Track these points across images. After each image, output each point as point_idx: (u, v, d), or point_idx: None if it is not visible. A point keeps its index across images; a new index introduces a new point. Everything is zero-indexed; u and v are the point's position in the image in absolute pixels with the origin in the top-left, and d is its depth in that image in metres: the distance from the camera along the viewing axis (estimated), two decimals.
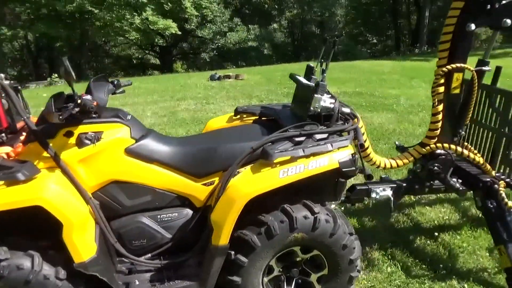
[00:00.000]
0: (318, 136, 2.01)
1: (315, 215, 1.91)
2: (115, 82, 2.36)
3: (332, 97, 2.26)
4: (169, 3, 16.71)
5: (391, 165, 2.59)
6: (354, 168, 1.94)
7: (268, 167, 1.87)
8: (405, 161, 2.60)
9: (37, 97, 9.09)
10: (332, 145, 1.93)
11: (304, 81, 2.35)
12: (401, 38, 30.73)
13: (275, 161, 1.85)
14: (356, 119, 2.23)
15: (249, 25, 25.80)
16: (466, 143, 2.92)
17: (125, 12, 15.11)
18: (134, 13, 15.48)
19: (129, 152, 2.01)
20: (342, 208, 3.35)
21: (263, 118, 2.53)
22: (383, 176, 2.85)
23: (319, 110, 2.12)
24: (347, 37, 30.22)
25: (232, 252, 1.90)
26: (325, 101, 2.15)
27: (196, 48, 27.40)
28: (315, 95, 2.11)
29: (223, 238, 1.85)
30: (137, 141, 2.04)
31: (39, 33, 15.01)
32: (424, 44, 23.03)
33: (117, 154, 2.00)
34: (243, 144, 2.07)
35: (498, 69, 2.91)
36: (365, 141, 2.48)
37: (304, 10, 29.04)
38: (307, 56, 28.55)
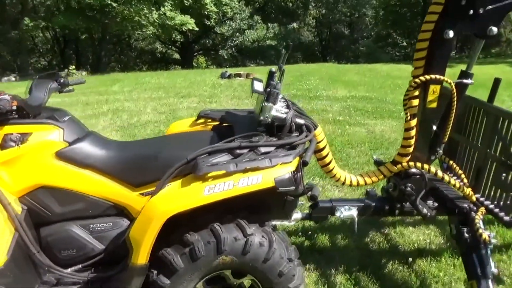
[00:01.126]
0: (263, 149, 1.82)
1: (247, 237, 1.73)
2: (61, 81, 2.24)
3: (287, 106, 2.08)
4: None
5: (358, 182, 2.37)
6: (293, 187, 1.74)
7: (196, 181, 1.69)
8: (374, 179, 2.37)
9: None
10: (271, 161, 1.73)
11: (257, 87, 2.15)
12: None
13: (203, 176, 1.68)
14: (310, 132, 2.01)
15: (269, 24, 25.53)
16: (451, 162, 2.66)
17: (143, 7, 15.21)
18: (152, 8, 15.56)
19: (60, 156, 1.90)
20: (317, 224, 3.14)
21: (224, 124, 2.37)
22: (369, 189, 2.62)
23: (269, 120, 1.94)
24: (372, 39, 29.54)
25: (154, 272, 1.74)
26: (278, 110, 1.96)
27: (216, 45, 27.40)
28: (265, 104, 1.92)
29: (141, 258, 1.69)
30: (70, 144, 1.93)
31: (58, 25, 15.35)
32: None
33: (46, 157, 1.89)
34: (184, 153, 1.91)
35: (496, 82, 2.62)
36: (326, 155, 2.28)
37: (331, 10, 28.54)
38: (336, 56, 28.02)
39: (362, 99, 7.65)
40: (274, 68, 2.29)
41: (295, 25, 28.16)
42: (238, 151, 1.81)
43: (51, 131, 1.90)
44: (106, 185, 1.97)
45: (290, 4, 27.00)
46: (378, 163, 2.70)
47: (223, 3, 18.86)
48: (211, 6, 17.81)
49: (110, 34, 18.41)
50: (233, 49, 25.99)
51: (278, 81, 2.10)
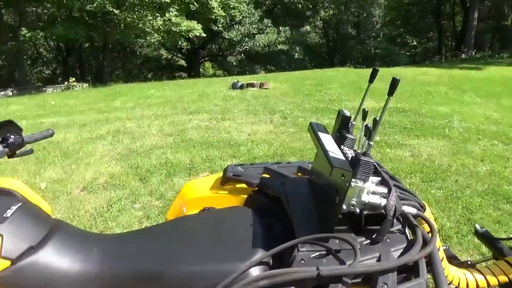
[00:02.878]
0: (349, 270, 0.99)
1: None
2: (10, 140, 1.41)
3: (384, 181, 1.20)
4: (195, 3, 15.96)
5: (477, 285, 1.51)
6: None
7: None
8: (503, 278, 1.52)
9: (44, 106, 8.44)
10: None
11: (331, 149, 1.26)
12: (443, 41, 28.83)
13: None
14: (433, 233, 1.16)
15: (280, 27, 24.70)
16: None
17: (147, 13, 14.46)
18: (157, 14, 14.81)
19: None
20: None
21: (264, 193, 1.50)
22: (445, 246, 1.75)
23: (357, 210, 1.08)
24: (385, 39, 28.71)
25: None
26: (371, 191, 1.10)
27: (224, 50, 26.64)
28: (353, 183, 1.06)
29: None
30: (14, 262, 1.09)
31: (56, 35, 14.64)
32: (471, 48, 21.17)
33: None
34: (205, 269, 1.09)
35: None
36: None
37: (341, 10, 27.72)
38: (342, 59, 27.22)
39: (394, 111, 6.77)
40: (347, 111, 1.42)
41: (308, 27, 27.28)
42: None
43: None
44: None
45: (300, 5, 26.14)
46: (485, 237, 1.84)
47: (231, 6, 18.08)
48: (219, 10, 17.03)
49: (113, 42, 17.71)
50: (242, 54, 25.15)
51: (371, 143, 1.22)
